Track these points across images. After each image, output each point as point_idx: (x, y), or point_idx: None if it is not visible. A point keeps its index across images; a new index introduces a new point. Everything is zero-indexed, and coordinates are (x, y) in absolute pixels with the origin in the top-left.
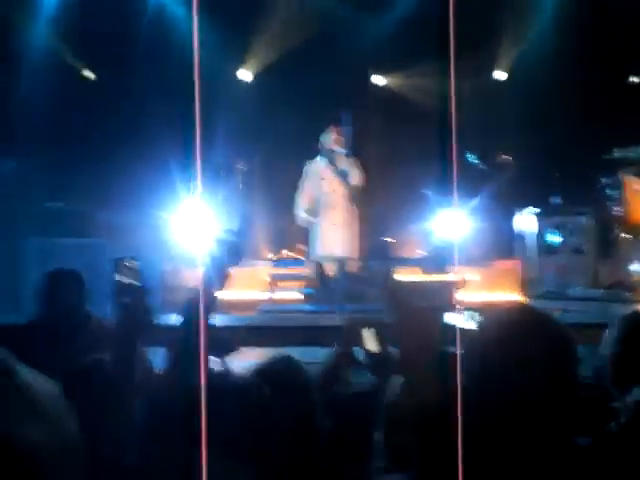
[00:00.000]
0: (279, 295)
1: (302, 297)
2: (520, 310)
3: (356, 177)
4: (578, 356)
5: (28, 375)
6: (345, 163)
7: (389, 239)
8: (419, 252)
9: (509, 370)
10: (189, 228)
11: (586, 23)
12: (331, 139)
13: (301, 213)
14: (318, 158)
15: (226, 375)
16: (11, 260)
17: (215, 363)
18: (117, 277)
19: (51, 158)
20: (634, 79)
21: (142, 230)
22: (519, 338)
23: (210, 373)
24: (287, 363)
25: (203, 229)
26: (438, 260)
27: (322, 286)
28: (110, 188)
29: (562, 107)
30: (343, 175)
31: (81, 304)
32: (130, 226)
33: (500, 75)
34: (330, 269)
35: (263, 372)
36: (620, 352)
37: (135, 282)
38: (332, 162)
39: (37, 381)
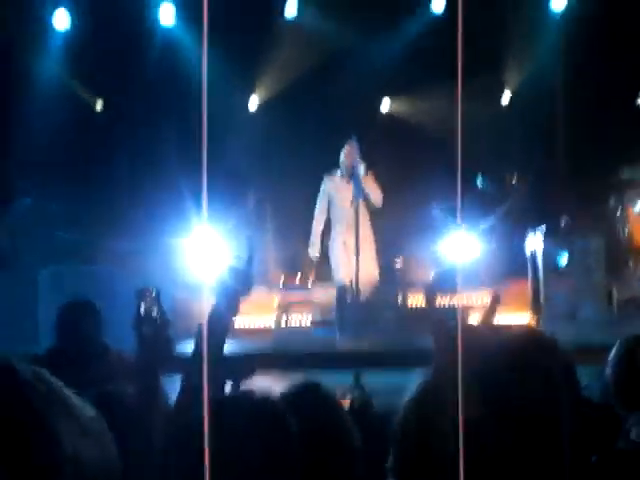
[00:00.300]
0: (290, 321)
1: (314, 323)
2: (520, 333)
3: (377, 197)
4: (577, 379)
5: (68, 393)
6: (364, 180)
7: (399, 262)
8: (428, 274)
9: (510, 393)
10: (200, 256)
11: (594, 44)
12: (348, 155)
13: (311, 248)
14: (337, 173)
15: (247, 404)
16: (27, 290)
17: (235, 391)
18: (139, 307)
19: (62, 188)
20: None
21: (153, 258)
22: (519, 361)
23: (230, 402)
24: (315, 391)
25: (214, 257)
26: (448, 282)
27: (339, 311)
28: (121, 217)
29: (571, 128)
30: (361, 192)
31: (97, 335)
32: (142, 254)
33: (508, 98)
34: (348, 293)
35: (289, 400)
36: (622, 372)
37: (157, 313)
38: (350, 178)
39: (77, 400)
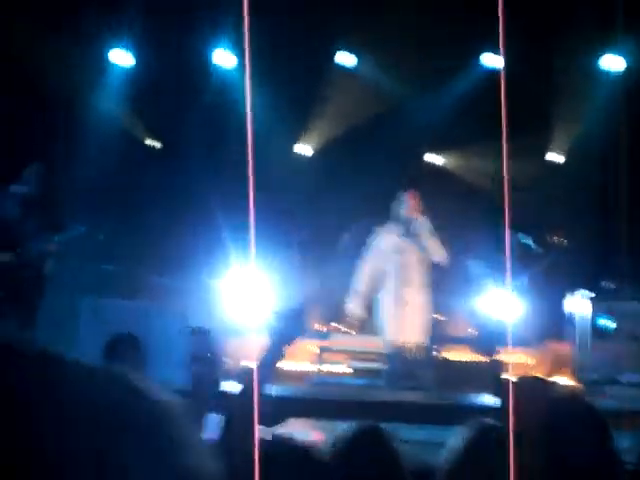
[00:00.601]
0: (329, 368)
1: (352, 372)
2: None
3: (440, 253)
4: (613, 441)
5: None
6: (426, 236)
7: (440, 317)
8: (470, 331)
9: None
10: (243, 296)
11: (636, 103)
12: (408, 206)
13: (353, 305)
14: (392, 226)
15: (294, 450)
16: (68, 320)
17: (269, 435)
18: (194, 346)
19: (112, 221)
20: None
21: (195, 296)
22: (561, 424)
23: (275, 447)
24: (373, 435)
25: (257, 298)
26: (490, 340)
27: (388, 362)
28: (167, 253)
29: (616, 188)
30: (424, 249)
31: (138, 369)
32: (184, 292)
33: (556, 156)
34: (396, 347)
35: (345, 446)
36: None
37: (210, 353)
38: (411, 233)
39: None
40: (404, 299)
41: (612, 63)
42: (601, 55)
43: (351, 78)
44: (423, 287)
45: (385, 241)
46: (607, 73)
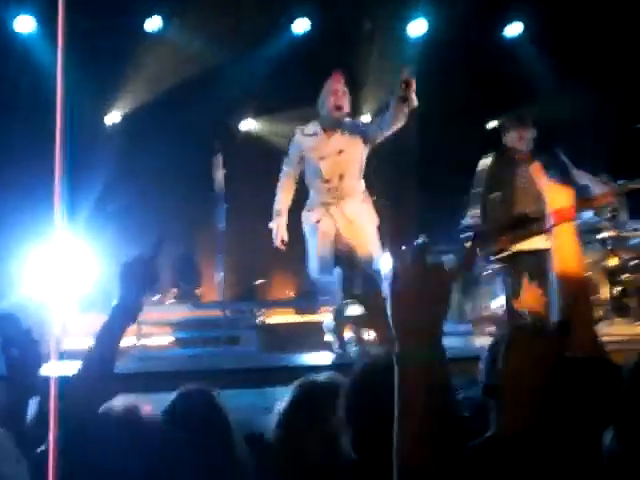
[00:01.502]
0: (152, 341)
1: (175, 341)
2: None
3: (402, 117)
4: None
5: None
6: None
7: (260, 280)
8: (290, 293)
9: None
10: (56, 270)
11: (449, 69)
12: (335, 92)
13: (274, 224)
14: (316, 125)
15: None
16: None
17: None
18: (2, 329)
19: None
20: (490, 126)
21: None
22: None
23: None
24: (200, 399)
25: (71, 270)
26: (312, 300)
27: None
28: None
29: (428, 152)
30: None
31: None
32: None
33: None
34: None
35: (174, 412)
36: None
37: (23, 333)
38: (346, 125)
39: None
40: (344, 214)
41: (419, 27)
42: (410, 20)
43: (160, 43)
44: (362, 195)
45: (309, 143)
46: (414, 36)
